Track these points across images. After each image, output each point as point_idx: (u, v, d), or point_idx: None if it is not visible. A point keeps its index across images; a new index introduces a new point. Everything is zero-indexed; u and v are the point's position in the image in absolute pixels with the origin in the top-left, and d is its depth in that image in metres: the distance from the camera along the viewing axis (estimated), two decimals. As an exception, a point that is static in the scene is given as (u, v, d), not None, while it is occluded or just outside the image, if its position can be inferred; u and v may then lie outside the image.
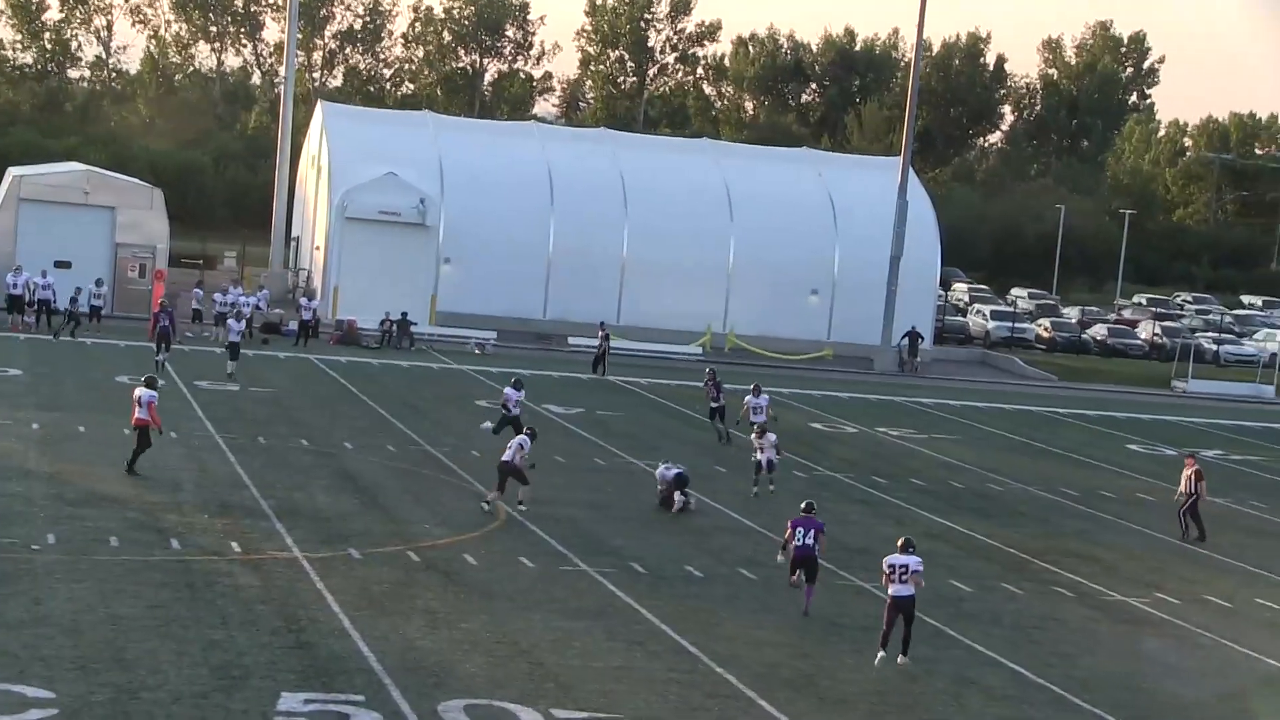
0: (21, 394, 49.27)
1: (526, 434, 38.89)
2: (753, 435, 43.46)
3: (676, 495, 39.88)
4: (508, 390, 46.47)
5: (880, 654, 27.85)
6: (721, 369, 60.60)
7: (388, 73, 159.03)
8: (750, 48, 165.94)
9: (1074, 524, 43.68)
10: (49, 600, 27.40)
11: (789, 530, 31.29)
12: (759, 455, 42.36)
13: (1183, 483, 42.66)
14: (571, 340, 75.93)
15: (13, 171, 77.25)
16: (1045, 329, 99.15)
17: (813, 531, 30.87)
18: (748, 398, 47.48)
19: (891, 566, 27.98)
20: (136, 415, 38.37)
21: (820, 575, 31.77)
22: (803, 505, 32.07)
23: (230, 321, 57.87)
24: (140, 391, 38.72)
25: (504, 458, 37.83)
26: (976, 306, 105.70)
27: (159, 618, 26.93)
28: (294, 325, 69.45)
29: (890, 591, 28.00)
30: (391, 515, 36.65)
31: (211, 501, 36.19)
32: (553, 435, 48.97)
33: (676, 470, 40.65)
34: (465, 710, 23.77)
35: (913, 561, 27.97)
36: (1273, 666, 30.70)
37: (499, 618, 28.80)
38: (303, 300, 71.25)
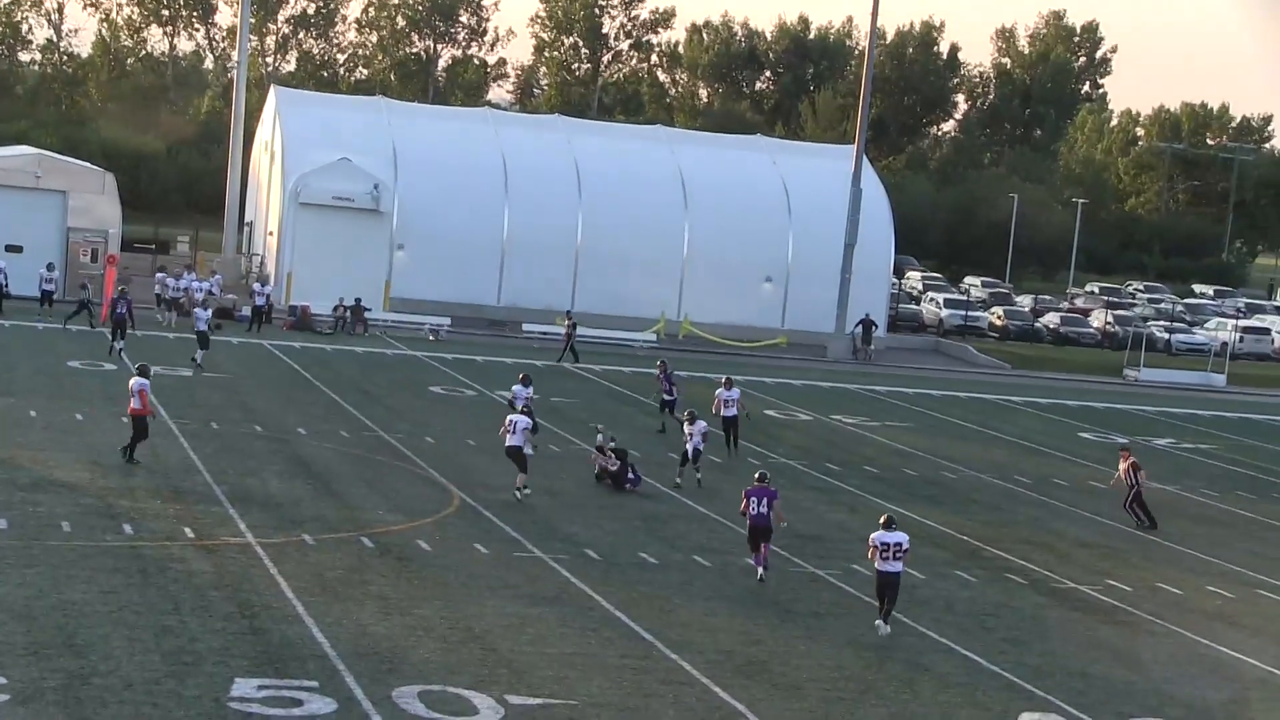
0: (-28, 379, 49.08)
1: (525, 413, 39.81)
2: (684, 423, 43.25)
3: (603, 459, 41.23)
4: (516, 388, 45.88)
5: (882, 627, 29.31)
6: (675, 357, 60.86)
7: (341, 58, 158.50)
8: (704, 35, 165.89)
9: (1026, 511, 43.86)
10: (0, 586, 27.29)
11: (745, 501, 32.36)
12: (688, 443, 42.32)
13: (1121, 474, 42.76)
14: (526, 327, 75.80)
15: (-37, 155, 76.78)
16: (998, 317, 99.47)
17: (767, 500, 32.25)
18: (719, 390, 47.13)
19: (885, 544, 29.23)
20: (132, 405, 38.43)
21: (773, 563, 32.16)
22: (756, 475, 33.18)
23: (198, 311, 57.33)
24: (133, 380, 38.76)
25: (512, 443, 38.24)
26: (930, 294, 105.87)
27: (111, 604, 26.84)
28: (247, 311, 69.25)
29: (879, 568, 29.32)
30: (345, 501, 36.59)
31: (164, 487, 36.09)
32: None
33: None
34: (419, 696, 23.76)
35: (905, 539, 29.52)
36: (1224, 654, 30.90)
37: (452, 604, 28.80)
38: (256, 286, 71.07)
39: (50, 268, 67.10)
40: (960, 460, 51.32)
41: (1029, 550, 38.44)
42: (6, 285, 65.78)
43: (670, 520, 37.91)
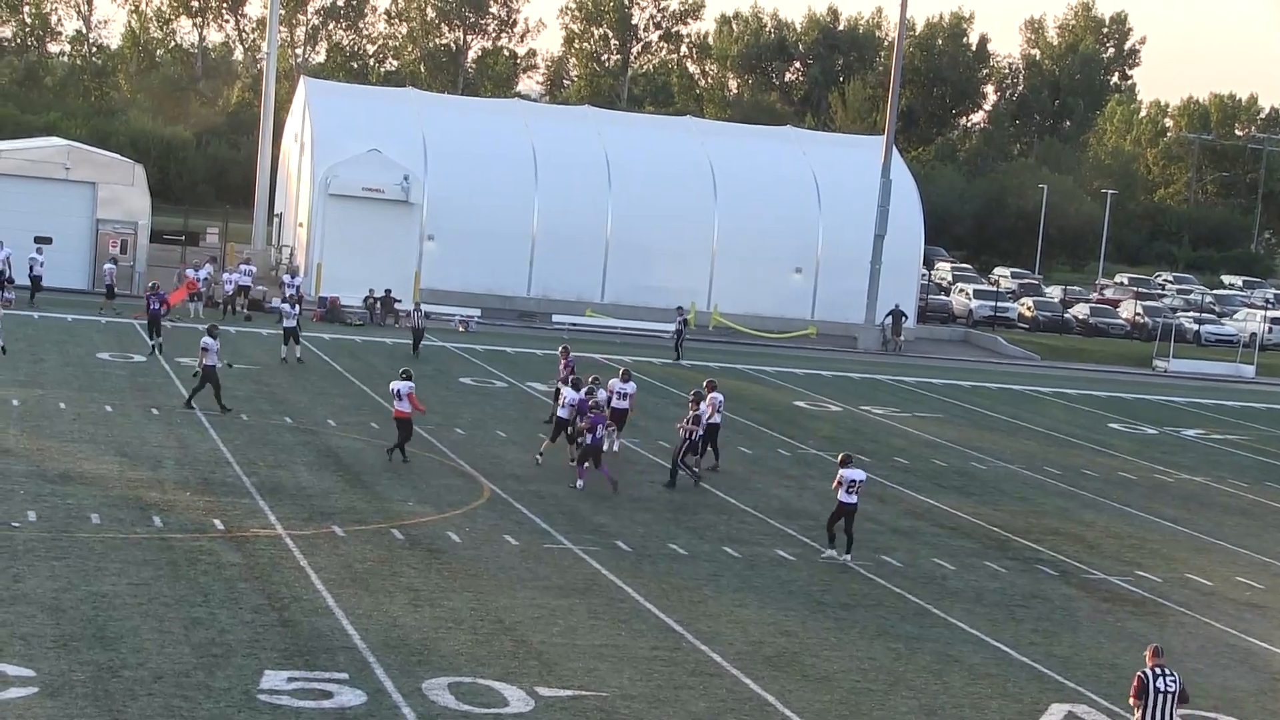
0: (1, 370, 49.06)
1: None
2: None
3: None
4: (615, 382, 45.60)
5: (829, 552, 34.01)
6: (703, 347, 60.63)
7: (371, 49, 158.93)
8: (734, 26, 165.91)
9: (1055, 502, 43.72)
10: (29, 578, 27.29)
11: (593, 429, 38.58)
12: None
13: (684, 422, 40.41)
14: (555, 318, 75.88)
15: (-7, 146, 77.17)
16: (1028, 308, 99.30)
17: (603, 426, 39.31)
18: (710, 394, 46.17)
19: (853, 481, 33.52)
20: (397, 408, 39.57)
21: (801, 552, 32.18)
22: (584, 392, 40.67)
23: (284, 306, 57.30)
24: (397, 384, 39.85)
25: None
26: (959, 285, 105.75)
27: (141, 596, 26.85)
28: (278, 302, 69.24)
29: (842, 499, 33.61)
30: (375, 493, 36.56)
31: (194, 479, 36.09)
32: (536, 412, 49.02)
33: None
34: (449, 688, 23.73)
35: (864, 475, 34.58)
36: (1254, 645, 30.78)
37: (482, 595, 28.77)
38: (286, 278, 71.04)
39: (115, 262, 67.81)
40: (989, 451, 51.22)
41: (1058, 541, 38.34)
42: (37, 275, 66.01)
43: (699, 511, 37.86)
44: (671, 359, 65.78)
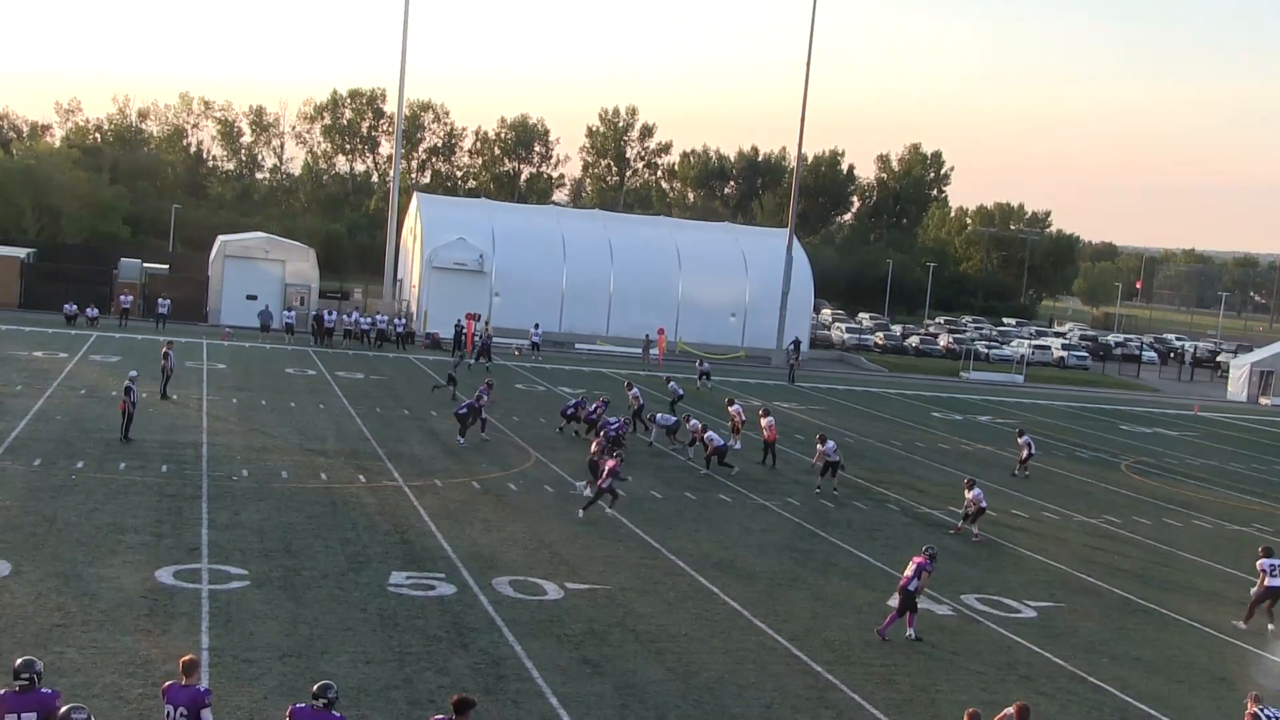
0: (226, 379, 49.01)
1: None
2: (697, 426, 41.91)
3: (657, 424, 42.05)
4: (636, 389, 46.01)
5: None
6: (672, 364, 60.13)
7: (459, 173, 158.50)
8: (691, 158, 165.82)
9: (897, 463, 43.70)
10: (244, 512, 27.32)
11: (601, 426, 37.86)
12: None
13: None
14: (577, 345, 75.81)
15: (220, 238, 77.38)
16: (880, 339, 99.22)
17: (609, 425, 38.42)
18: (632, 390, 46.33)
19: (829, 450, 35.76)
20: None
21: (735, 497, 32.02)
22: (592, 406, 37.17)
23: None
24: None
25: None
26: (836, 324, 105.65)
27: (313, 524, 26.86)
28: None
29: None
30: (461, 458, 36.53)
31: (346, 449, 36.10)
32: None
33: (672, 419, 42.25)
34: (510, 583, 23.74)
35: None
36: (1023, 553, 30.77)
37: (530, 524, 28.77)
38: (397, 320, 71.24)
39: (290, 309, 68.59)
40: (855, 430, 51.16)
41: (900, 489, 38.34)
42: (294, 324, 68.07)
43: (670, 469, 37.85)
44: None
